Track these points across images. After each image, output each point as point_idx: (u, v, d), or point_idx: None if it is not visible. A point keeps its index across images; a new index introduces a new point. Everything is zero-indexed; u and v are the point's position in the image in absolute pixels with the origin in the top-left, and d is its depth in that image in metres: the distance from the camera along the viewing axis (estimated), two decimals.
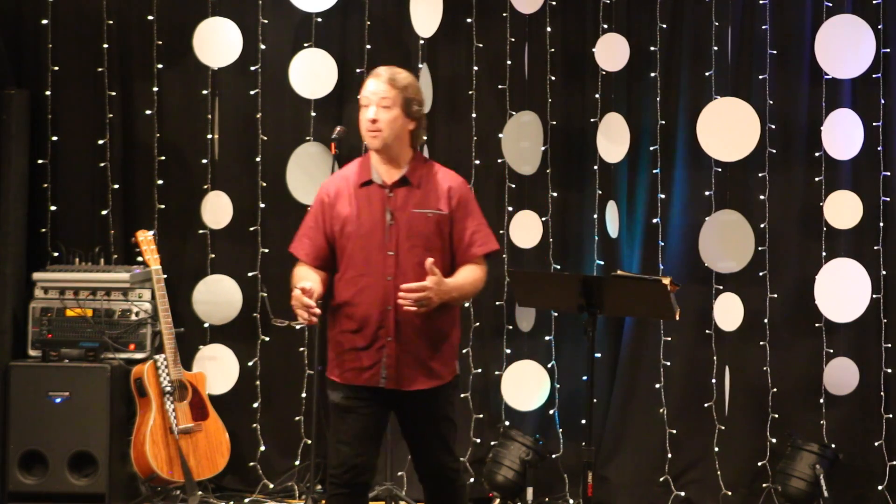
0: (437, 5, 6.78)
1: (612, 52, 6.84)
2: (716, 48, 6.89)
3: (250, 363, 6.94)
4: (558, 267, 6.98)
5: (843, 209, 6.77)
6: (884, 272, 6.83)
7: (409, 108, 4.72)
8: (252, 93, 6.96)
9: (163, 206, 6.97)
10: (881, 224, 6.84)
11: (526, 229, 6.90)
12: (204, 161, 6.97)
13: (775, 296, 6.89)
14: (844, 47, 6.70)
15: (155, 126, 6.97)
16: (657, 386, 6.93)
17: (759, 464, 6.89)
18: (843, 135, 6.75)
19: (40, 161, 6.90)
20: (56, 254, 6.89)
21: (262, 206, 6.95)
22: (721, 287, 6.87)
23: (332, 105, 6.97)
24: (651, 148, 6.95)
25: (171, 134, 7.00)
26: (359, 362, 4.68)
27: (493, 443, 6.89)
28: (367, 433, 4.71)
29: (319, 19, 6.92)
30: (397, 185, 4.72)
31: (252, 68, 6.94)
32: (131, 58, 7.02)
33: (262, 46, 6.94)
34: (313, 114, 6.91)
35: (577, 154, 7.06)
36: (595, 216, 6.97)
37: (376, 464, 4.80)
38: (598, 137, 6.87)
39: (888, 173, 6.85)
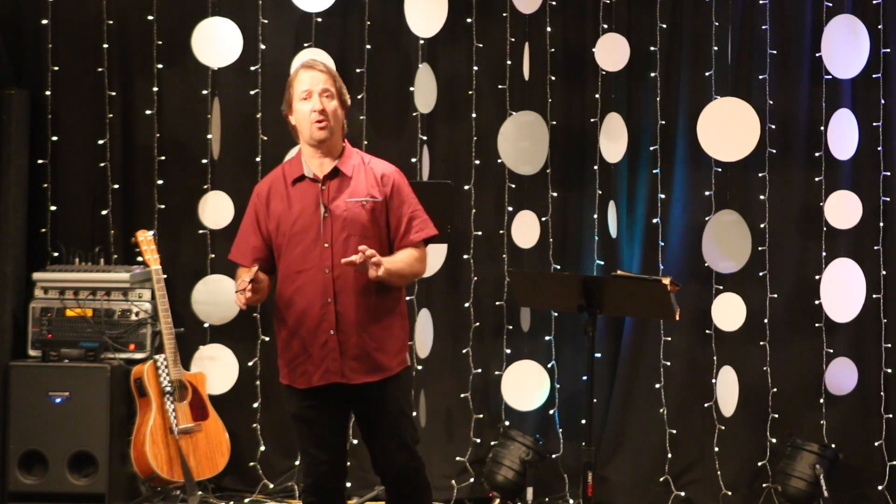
0: (441, 6, 6.76)
1: (612, 52, 6.84)
2: (716, 48, 6.88)
3: (250, 363, 6.94)
4: (558, 267, 6.98)
5: (843, 209, 6.76)
6: (884, 272, 6.83)
7: (342, 97, 4.76)
8: (252, 93, 6.96)
9: (163, 206, 6.97)
10: (881, 224, 6.84)
11: (526, 229, 6.90)
12: (204, 161, 6.97)
13: (775, 296, 6.89)
14: (846, 47, 6.70)
15: (155, 126, 6.97)
16: (657, 386, 6.93)
17: (759, 464, 6.89)
18: (843, 135, 6.75)
19: (40, 161, 6.90)
20: (56, 254, 6.89)
21: None
22: (721, 287, 6.87)
23: None
24: (651, 148, 6.95)
25: (171, 134, 7.00)
26: (307, 364, 4.67)
27: (493, 443, 6.89)
28: (326, 440, 4.73)
29: (319, 19, 6.92)
30: (329, 177, 4.71)
31: (252, 68, 6.94)
32: (131, 58, 7.02)
33: (262, 46, 6.94)
34: None
35: (577, 154, 7.06)
36: (595, 216, 6.97)
37: (345, 467, 4.83)
38: (599, 137, 6.87)
39: (888, 173, 6.85)
